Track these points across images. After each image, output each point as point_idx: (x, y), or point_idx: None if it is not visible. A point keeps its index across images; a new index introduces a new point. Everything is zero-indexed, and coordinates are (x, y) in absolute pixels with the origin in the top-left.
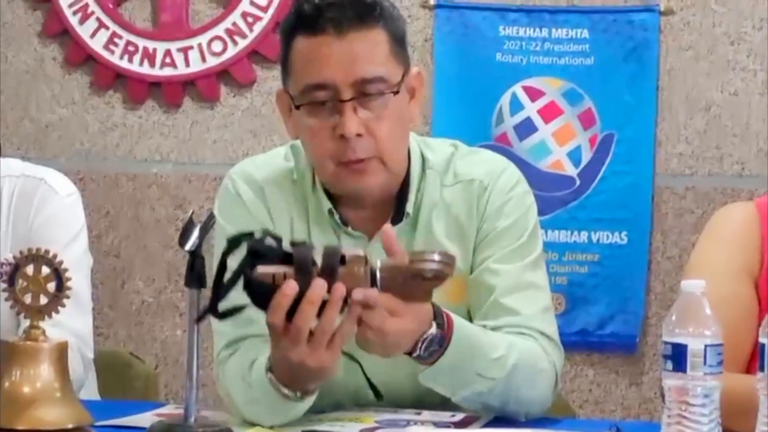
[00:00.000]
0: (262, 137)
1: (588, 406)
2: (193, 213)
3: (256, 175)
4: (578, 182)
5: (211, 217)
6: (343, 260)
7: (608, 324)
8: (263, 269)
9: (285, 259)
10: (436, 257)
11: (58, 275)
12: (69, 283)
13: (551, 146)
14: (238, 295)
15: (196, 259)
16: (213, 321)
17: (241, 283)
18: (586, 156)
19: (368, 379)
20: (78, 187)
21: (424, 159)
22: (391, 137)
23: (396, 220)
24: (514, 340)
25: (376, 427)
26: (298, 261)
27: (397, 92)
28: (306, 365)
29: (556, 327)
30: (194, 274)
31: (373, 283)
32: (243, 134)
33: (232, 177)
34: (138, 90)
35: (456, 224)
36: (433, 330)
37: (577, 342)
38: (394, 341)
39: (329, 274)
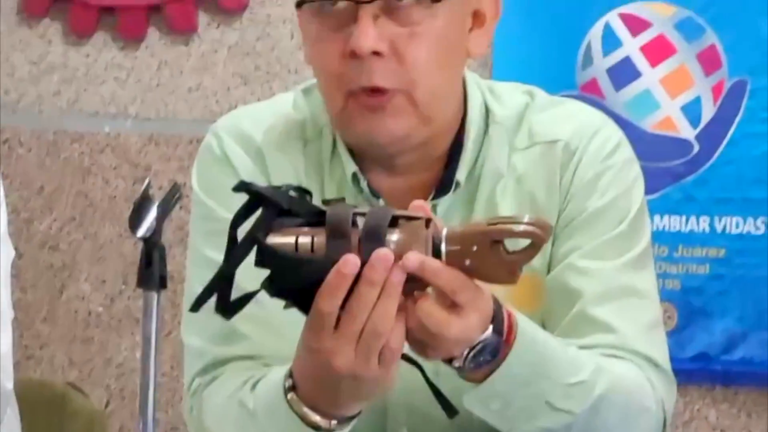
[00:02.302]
0: (257, 85)
1: None
2: (149, 184)
3: (252, 132)
4: (697, 148)
5: (174, 191)
6: (395, 224)
7: (739, 346)
8: (278, 236)
9: (312, 221)
10: (527, 219)
11: None
12: None
13: (659, 98)
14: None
15: (153, 249)
16: (187, 336)
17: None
18: (708, 112)
19: (434, 389)
20: (1, 152)
21: (488, 111)
22: (428, 65)
23: (442, 191)
24: (605, 363)
25: None
26: (331, 221)
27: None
28: (359, 376)
29: (666, 350)
30: (150, 271)
31: (437, 255)
32: (230, 80)
33: (219, 134)
34: (84, 19)
35: (531, 202)
36: (488, 334)
37: (693, 371)
38: (455, 344)
39: (375, 240)
